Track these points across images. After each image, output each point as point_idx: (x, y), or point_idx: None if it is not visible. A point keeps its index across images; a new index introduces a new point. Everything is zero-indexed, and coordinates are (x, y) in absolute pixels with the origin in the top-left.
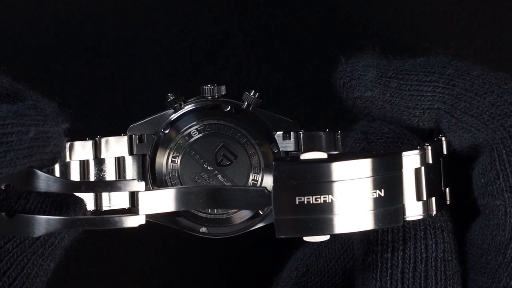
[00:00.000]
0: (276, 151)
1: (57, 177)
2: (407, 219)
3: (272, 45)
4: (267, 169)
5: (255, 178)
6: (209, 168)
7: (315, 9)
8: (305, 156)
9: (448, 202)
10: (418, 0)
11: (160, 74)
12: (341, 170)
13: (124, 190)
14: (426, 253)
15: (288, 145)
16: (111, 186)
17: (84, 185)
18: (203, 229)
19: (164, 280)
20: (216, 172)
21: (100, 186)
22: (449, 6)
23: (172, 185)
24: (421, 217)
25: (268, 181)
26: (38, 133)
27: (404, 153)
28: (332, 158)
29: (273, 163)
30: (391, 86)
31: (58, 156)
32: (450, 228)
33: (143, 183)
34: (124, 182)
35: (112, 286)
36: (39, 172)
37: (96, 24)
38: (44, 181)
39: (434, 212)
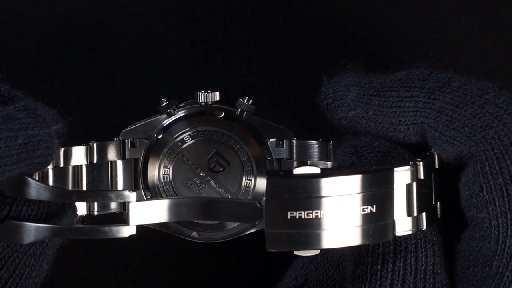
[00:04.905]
0: (269, 158)
1: (48, 185)
2: (397, 234)
3: (272, 45)
4: (259, 176)
5: (248, 185)
6: (201, 173)
7: (315, 9)
8: (298, 170)
9: (438, 216)
10: (418, 0)
11: (160, 74)
12: (333, 185)
13: (115, 200)
14: (416, 266)
15: (281, 153)
16: (102, 196)
17: (75, 194)
18: (194, 234)
19: (163, 281)
20: (208, 178)
21: (91, 196)
22: (449, 6)
23: (164, 190)
24: (410, 232)
25: (260, 187)
26: (27, 137)
27: (396, 169)
28: (325, 174)
29: (266, 177)
30: (373, 104)
31: (50, 158)
32: (441, 241)
33: (134, 194)
34: (115, 192)
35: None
36: (30, 179)
37: (96, 24)
38: (35, 189)
39: (425, 227)
